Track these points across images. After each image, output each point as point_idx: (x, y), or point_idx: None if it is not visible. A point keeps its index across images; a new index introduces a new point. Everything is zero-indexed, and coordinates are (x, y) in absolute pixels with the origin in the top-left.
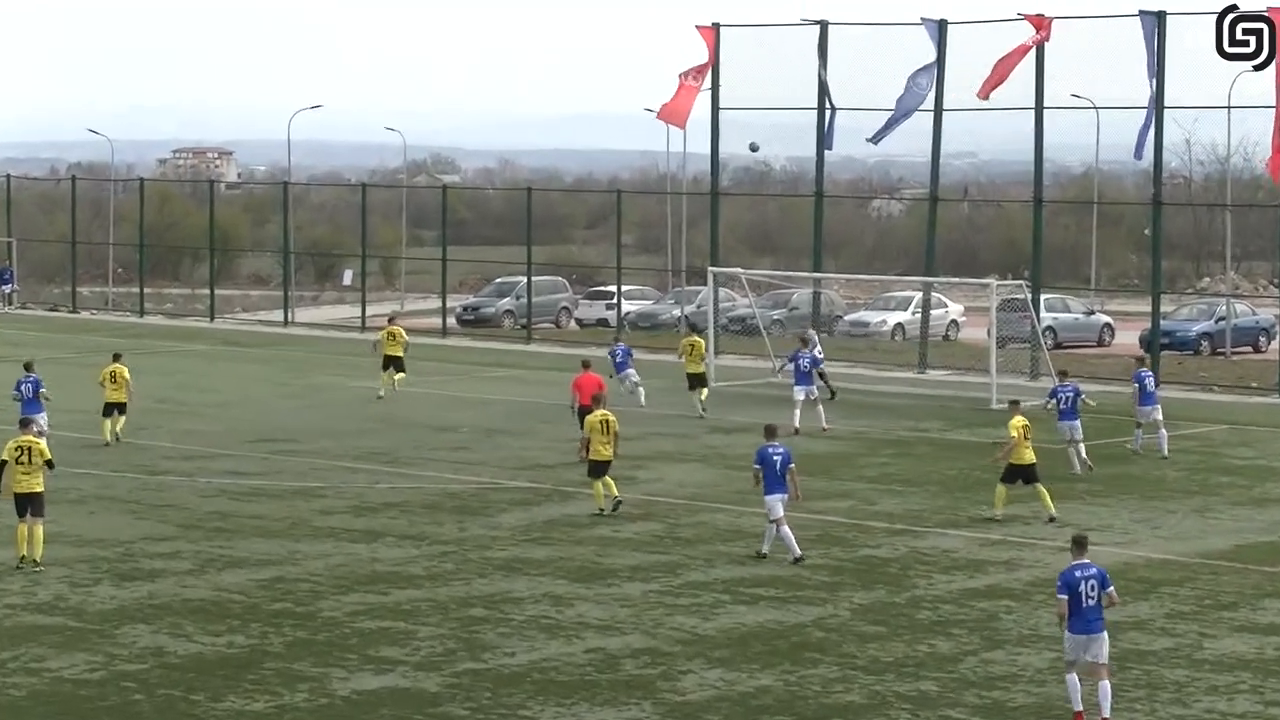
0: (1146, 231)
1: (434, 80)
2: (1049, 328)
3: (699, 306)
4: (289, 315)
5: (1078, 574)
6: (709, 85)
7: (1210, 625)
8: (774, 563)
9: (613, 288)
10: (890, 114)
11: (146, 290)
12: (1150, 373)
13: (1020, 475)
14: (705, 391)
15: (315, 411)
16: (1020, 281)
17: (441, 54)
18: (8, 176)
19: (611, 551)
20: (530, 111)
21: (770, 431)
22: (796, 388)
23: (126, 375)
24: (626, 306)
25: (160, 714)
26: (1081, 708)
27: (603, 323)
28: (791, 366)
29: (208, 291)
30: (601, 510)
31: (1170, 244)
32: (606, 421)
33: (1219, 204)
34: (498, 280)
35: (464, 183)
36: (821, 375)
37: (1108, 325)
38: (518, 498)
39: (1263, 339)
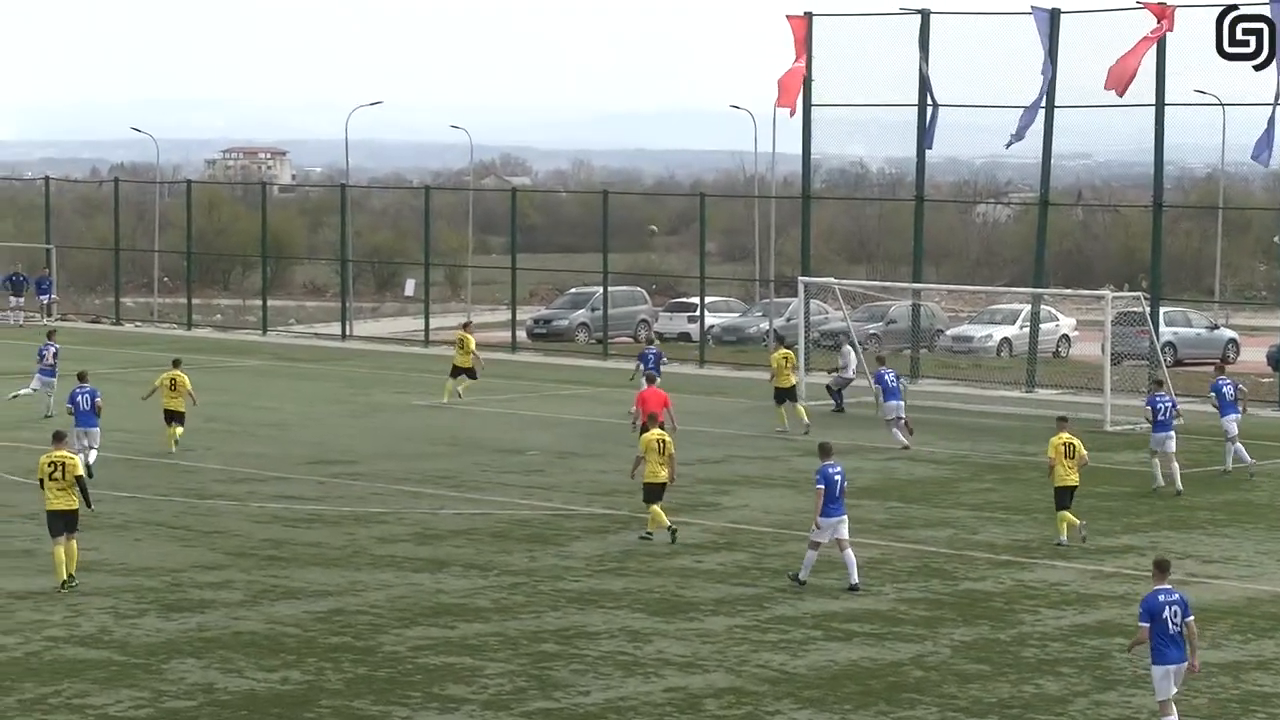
0: (1276, 239)
1: (503, 75)
2: (1168, 343)
3: (789, 319)
4: (347, 328)
5: (1161, 599)
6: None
7: None
8: (871, 596)
9: (695, 299)
10: (1023, 110)
11: (194, 301)
12: (1229, 380)
13: (1068, 499)
14: (802, 408)
15: (376, 432)
16: (1138, 293)
17: (511, 47)
18: (46, 178)
19: (693, 583)
20: (607, 109)
21: (825, 450)
22: (888, 404)
23: (188, 384)
24: (710, 319)
25: None
26: None
27: (684, 336)
28: (878, 386)
29: (260, 302)
30: (673, 530)
31: None
32: (664, 442)
33: None
34: (571, 290)
35: (535, 185)
36: (839, 391)
37: (1233, 341)
38: (592, 525)
39: None
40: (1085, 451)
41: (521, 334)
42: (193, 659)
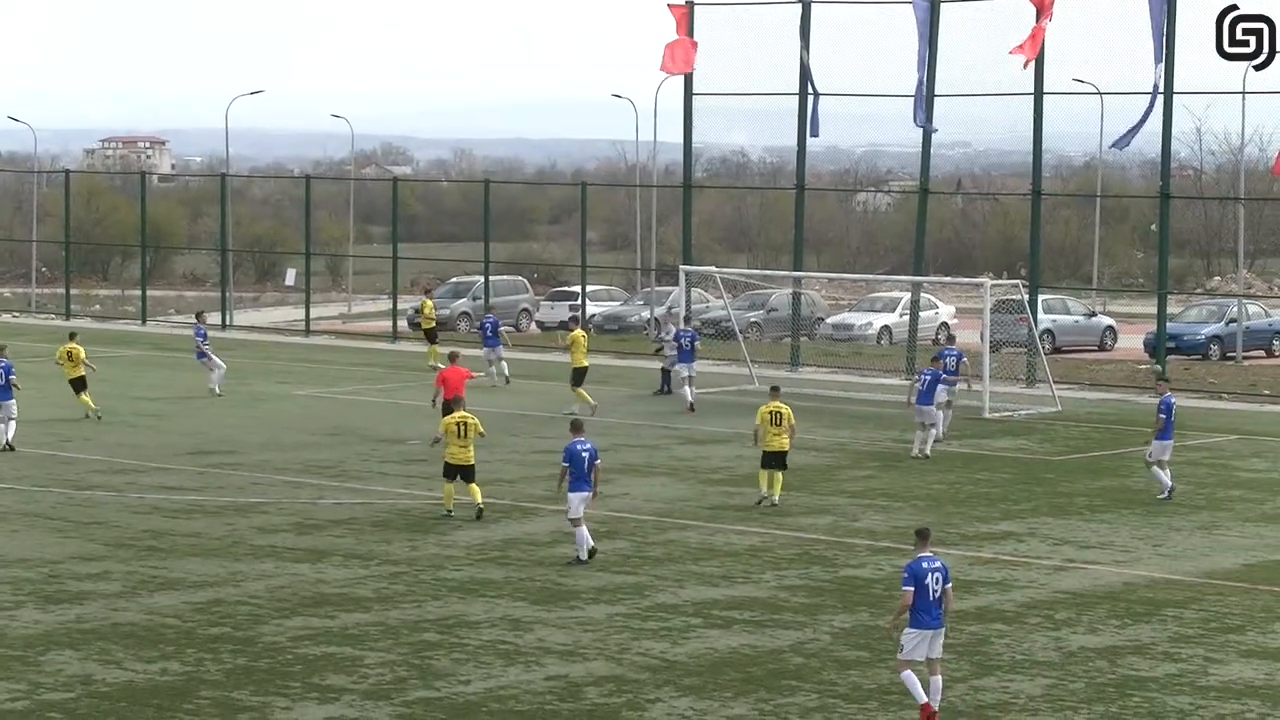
0: (1153, 227)
1: (384, 63)
2: (1047, 331)
3: (671, 309)
4: (227, 317)
5: (925, 565)
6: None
7: (1217, 649)
8: (751, 583)
9: (577, 288)
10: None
11: (73, 291)
12: (957, 351)
13: (771, 462)
14: (584, 391)
15: (256, 422)
16: (1016, 281)
17: (393, 35)
18: None
19: (574, 572)
20: (487, 97)
21: (577, 427)
22: (680, 365)
23: (83, 354)
24: (591, 308)
25: None
26: (927, 699)
27: (565, 325)
28: (674, 343)
29: (139, 292)
30: (449, 512)
31: (1178, 240)
32: (465, 424)
33: (1231, 197)
34: (453, 280)
35: (416, 175)
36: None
37: (1110, 328)
38: (472, 514)
39: (1276, 343)
40: (794, 420)
41: (402, 324)
42: (70, 650)
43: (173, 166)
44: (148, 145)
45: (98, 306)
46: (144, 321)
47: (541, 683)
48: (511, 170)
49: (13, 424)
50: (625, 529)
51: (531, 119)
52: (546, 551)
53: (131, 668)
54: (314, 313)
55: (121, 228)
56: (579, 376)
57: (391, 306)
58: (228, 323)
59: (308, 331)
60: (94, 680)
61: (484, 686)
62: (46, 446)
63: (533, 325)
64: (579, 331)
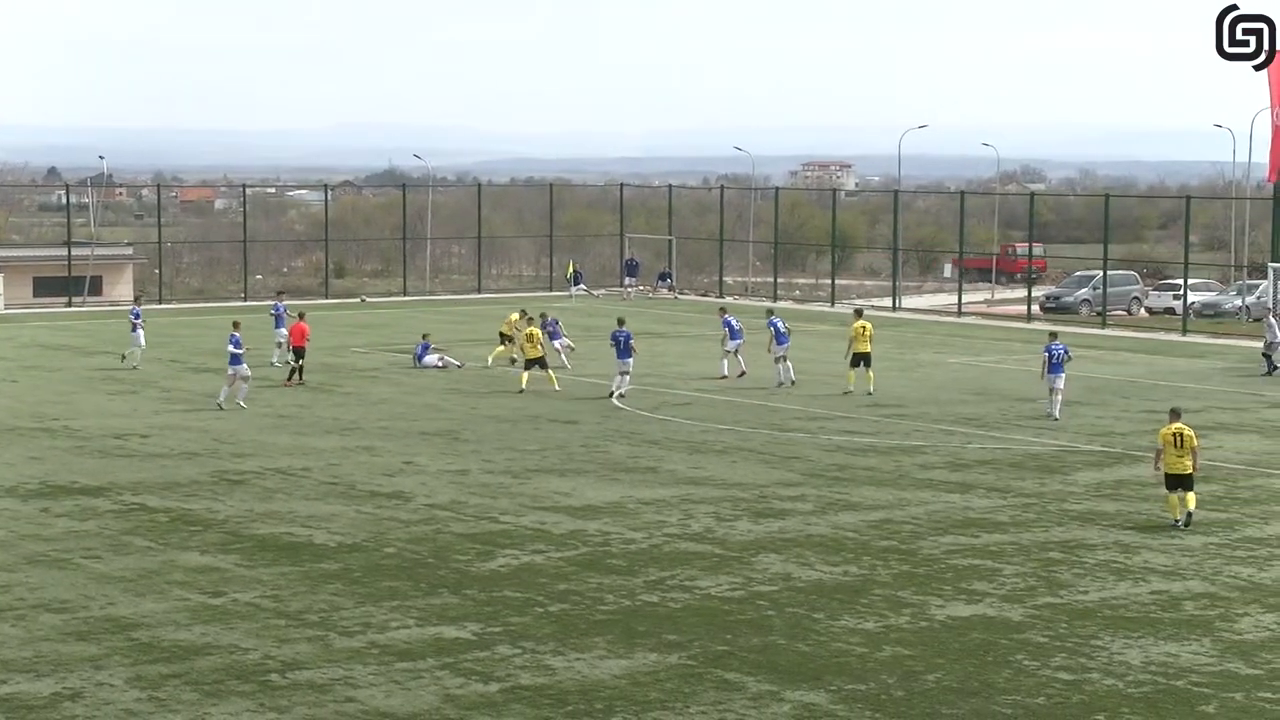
0: None
1: (1020, 95)
2: None
3: (1259, 298)
4: (897, 301)
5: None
6: None
7: None
8: None
9: (1179, 280)
10: None
11: (779, 280)
12: None
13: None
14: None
15: (919, 384)
16: None
17: (1037, 66)
18: (620, 186)
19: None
20: (1112, 126)
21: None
22: (732, 342)
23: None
24: (1192, 296)
25: (789, 627)
26: None
27: (1170, 310)
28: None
29: (829, 281)
30: (1176, 522)
31: None
32: (1180, 435)
33: None
34: (1077, 273)
35: (1049, 190)
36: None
37: None
38: (1092, 460)
39: None
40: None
41: (1035, 308)
42: (775, 554)
43: (856, 184)
44: (838, 168)
45: (797, 292)
46: (833, 304)
47: (1147, 595)
48: (1127, 186)
49: (626, 379)
50: (1219, 475)
51: (1145, 145)
52: (1153, 490)
53: (821, 569)
54: (965, 298)
55: (817, 232)
56: (857, 360)
57: (1026, 294)
58: (897, 305)
59: (959, 313)
60: (792, 578)
61: (1099, 596)
62: (758, 397)
63: (1142, 310)
64: (858, 323)
